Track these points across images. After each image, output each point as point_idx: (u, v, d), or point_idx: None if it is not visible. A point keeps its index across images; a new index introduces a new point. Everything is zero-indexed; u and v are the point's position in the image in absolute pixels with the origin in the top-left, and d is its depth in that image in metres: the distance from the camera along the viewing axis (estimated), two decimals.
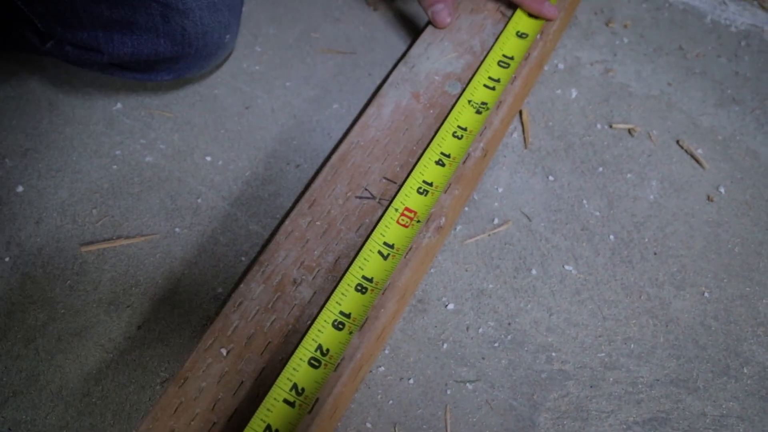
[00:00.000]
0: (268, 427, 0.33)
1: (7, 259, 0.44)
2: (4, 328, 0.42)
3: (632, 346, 0.40)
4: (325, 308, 0.36)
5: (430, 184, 0.40)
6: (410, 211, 0.39)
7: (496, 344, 0.40)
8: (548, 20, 0.47)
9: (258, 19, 0.54)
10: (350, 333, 0.35)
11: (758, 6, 0.57)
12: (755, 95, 0.51)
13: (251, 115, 0.50)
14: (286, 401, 0.34)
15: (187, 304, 0.42)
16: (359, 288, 0.37)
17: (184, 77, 0.50)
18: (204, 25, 0.45)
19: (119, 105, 0.51)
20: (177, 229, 0.45)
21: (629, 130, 0.49)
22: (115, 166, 0.48)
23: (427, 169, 0.41)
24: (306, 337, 0.36)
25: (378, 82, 0.51)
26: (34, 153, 0.49)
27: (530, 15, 0.48)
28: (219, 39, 0.47)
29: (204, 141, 0.49)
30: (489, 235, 0.44)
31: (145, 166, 0.48)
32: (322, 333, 0.36)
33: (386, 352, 0.40)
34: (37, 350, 0.41)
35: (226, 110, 0.50)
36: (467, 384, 0.38)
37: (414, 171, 0.41)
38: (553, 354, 0.39)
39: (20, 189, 0.47)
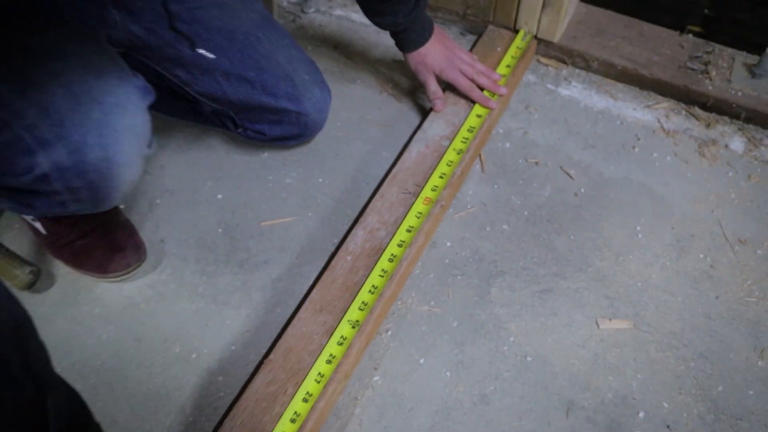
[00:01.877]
0: (371, 289, 0.78)
1: (219, 230, 0.90)
2: (225, 260, 0.86)
3: (531, 257, 0.86)
4: (392, 240, 0.82)
5: (437, 187, 0.88)
6: (428, 198, 0.86)
7: (470, 260, 0.86)
8: (492, 110, 0.97)
9: (336, 107, 1.03)
10: (405, 249, 0.81)
11: (610, 96, 1.07)
12: (603, 145, 1.00)
13: (340, 159, 0.97)
14: (380, 275, 0.79)
15: (319, 247, 0.87)
16: (407, 230, 0.83)
17: (302, 141, 0.97)
18: (318, 121, 0.92)
19: (266, 153, 0.98)
20: (309, 214, 0.91)
21: (536, 162, 0.97)
22: (270, 185, 0.94)
23: (435, 180, 0.88)
24: (385, 251, 0.81)
25: (405, 140, 0.99)
26: (223, 179, 0.95)
27: (482, 106, 0.97)
28: (322, 125, 0.94)
29: (317, 171, 0.96)
30: (465, 213, 0.91)
31: (285, 184, 0.94)
32: (391, 249, 0.81)
33: (419, 264, 0.85)
34: (244, 270, 0.86)
35: (325, 156, 0.98)
36: (457, 276, 0.84)
37: (429, 181, 0.88)
38: (498, 263, 0.85)
39: (219, 196, 0.93)
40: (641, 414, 0.74)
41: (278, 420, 0.69)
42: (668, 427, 0.73)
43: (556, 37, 1.09)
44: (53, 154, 0.55)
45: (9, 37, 0.58)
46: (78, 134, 0.57)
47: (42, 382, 0.47)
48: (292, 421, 0.68)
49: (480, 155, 0.98)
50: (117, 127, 0.61)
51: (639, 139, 1.00)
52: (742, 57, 1.06)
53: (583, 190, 0.94)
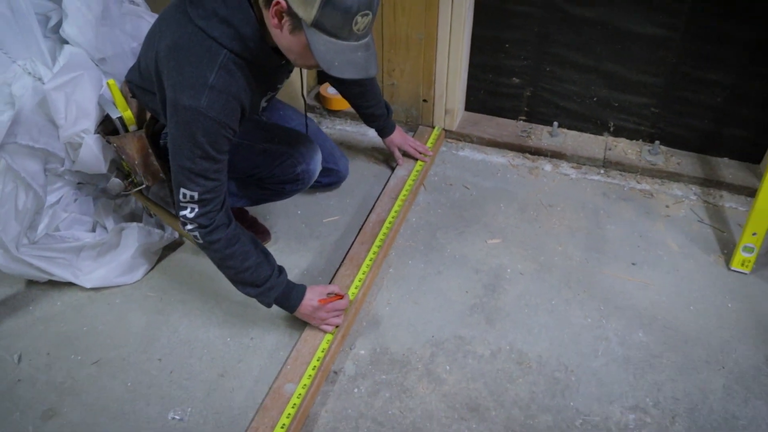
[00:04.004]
0: (383, 235, 1.79)
1: (303, 225, 1.89)
2: (308, 236, 1.85)
3: (452, 221, 1.89)
4: (388, 216, 1.84)
5: (405, 195, 1.92)
6: (402, 200, 1.91)
7: (425, 225, 1.88)
8: (426, 162, 2.05)
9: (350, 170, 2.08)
10: (394, 220, 1.83)
11: (484, 153, 2.18)
12: (483, 174, 2.08)
13: (355, 191, 2.01)
14: (386, 229, 1.80)
15: (353, 227, 1.88)
16: (395, 212, 1.86)
17: (338, 186, 2.01)
18: (345, 175, 1.97)
19: (318, 192, 2.01)
20: (345, 214, 1.92)
21: (451, 184, 2.04)
22: (323, 205, 1.96)
23: (404, 193, 1.93)
24: (386, 221, 1.83)
25: (386, 180, 2.05)
26: (300, 205, 1.96)
27: (421, 161, 2.06)
28: (346, 177, 1.99)
29: (345, 197, 1.99)
30: (419, 207, 1.95)
31: (330, 204, 1.96)
32: (389, 220, 1.83)
33: (402, 227, 1.87)
34: (320, 240, 1.84)
35: (348, 190, 2.01)
36: (420, 230, 1.86)
37: (401, 193, 1.93)
38: (438, 225, 1.88)
39: (299, 212, 1.94)
40: (509, 270, 1.75)
41: (354, 279, 1.65)
42: (521, 273, 1.74)
43: (454, 127, 2.22)
44: (301, 167, 1.62)
45: (273, 129, 1.66)
46: (309, 160, 1.63)
47: (264, 250, 1.46)
48: (360, 281, 1.65)
49: (423, 183, 2.05)
50: (316, 159, 1.67)
51: (499, 170, 2.10)
52: (547, 128, 2.21)
53: (474, 193, 2.01)
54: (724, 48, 1.86)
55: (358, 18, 1.17)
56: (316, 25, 1.16)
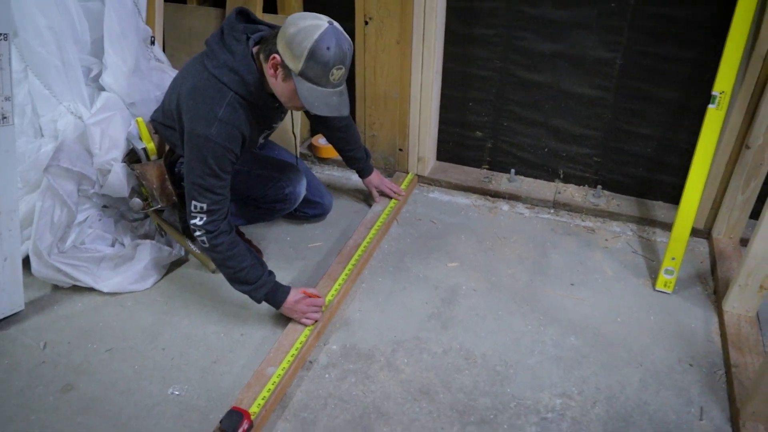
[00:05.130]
0: (358, 257, 2.13)
1: (291, 249, 2.24)
2: (295, 257, 2.20)
3: (419, 249, 2.24)
4: (363, 242, 2.19)
5: (380, 227, 2.28)
6: (376, 230, 2.26)
7: (395, 251, 2.23)
8: (399, 201, 2.42)
9: (334, 205, 2.45)
10: (368, 245, 2.18)
11: (450, 195, 2.56)
12: (448, 212, 2.45)
13: (338, 223, 2.37)
14: (361, 253, 2.15)
15: (333, 251, 2.22)
16: (370, 240, 2.21)
17: (323, 218, 2.38)
18: (329, 208, 2.34)
19: (305, 223, 2.37)
20: (327, 241, 2.27)
21: (419, 219, 2.40)
22: (309, 233, 2.31)
23: (378, 224, 2.29)
24: (361, 245, 2.18)
25: (364, 215, 2.41)
26: (289, 233, 2.32)
27: (396, 200, 2.43)
28: (330, 210, 2.35)
29: (329, 227, 2.34)
30: (391, 237, 2.30)
31: (315, 234, 2.31)
32: (363, 245, 2.18)
33: (375, 253, 2.22)
34: (305, 260, 2.19)
35: (331, 222, 2.38)
36: (391, 255, 2.21)
37: (375, 224, 2.29)
38: (406, 251, 2.23)
39: (288, 238, 2.29)
40: (464, 287, 2.08)
41: (330, 290, 1.98)
42: (474, 290, 2.07)
43: (426, 173, 2.60)
44: (288, 189, 2.00)
45: (267, 159, 2.07)
46: (295, 184, 2.04)
47: (257, 257, 1.82)
48: (336, 290, 1.98)
49: (396, 219, 2.41)
50: (302, 184, 2.07)
51: (463, 210, 2.47)
52: (506, 175, 2.59)
53: (440, 227, 2.36)
54: (650, 106, 2.26)
55: (334, 70, 1.58)
56: (302, 74, 1.57)
